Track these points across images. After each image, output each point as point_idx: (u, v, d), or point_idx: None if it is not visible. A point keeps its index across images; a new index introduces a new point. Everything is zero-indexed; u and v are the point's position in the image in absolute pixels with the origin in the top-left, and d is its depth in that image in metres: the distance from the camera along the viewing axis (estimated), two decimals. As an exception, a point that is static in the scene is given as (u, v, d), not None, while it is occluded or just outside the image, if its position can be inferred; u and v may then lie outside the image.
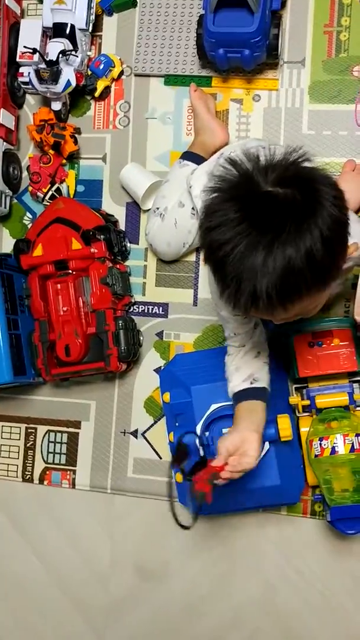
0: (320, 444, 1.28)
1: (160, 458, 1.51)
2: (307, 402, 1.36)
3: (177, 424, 1.36)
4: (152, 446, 1.52)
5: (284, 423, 1.24)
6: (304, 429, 1.36)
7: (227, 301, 0.93)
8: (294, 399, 1.35)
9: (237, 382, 1.19)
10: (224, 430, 1.26)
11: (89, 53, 1.56)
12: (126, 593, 1.54)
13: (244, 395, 1.18)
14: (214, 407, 1.28)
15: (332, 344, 1.34)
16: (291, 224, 0.85)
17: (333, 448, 1.26)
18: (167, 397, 1.37)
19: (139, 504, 1.53)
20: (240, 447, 1.09)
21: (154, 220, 1.46)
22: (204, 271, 1.50)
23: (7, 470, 1.61)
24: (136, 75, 1.56)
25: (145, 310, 1.54)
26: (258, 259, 0.85)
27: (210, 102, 1.50)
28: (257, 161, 0.90)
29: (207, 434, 1.27)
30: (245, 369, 1.20)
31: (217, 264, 0.90)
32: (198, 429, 1.28)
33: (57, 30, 1.51)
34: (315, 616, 1.44)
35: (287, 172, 0.88)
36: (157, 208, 1.45)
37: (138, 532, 1.54)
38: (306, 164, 0.91)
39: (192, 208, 1.39)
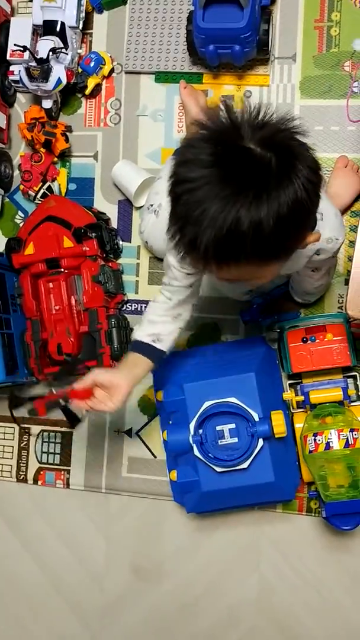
0: (315, 440, 1.27)
1: (155, 457, 1.51)
2: (301, 398, 1.36)
3: (170, 422, 1.35)
4: (146, 445, 1.52)
5: (277, 419, 1.23)
6: (298, 425, 1.36)
7: (170, 237, 0.91)
8: (288, 394, 1.34)
9: (142, 333, 1.19)
10: (218, 428, 1.26)
11: (79, 51, 1.55)
12: (121, 592, 1.53)
13: (141, 348, 1.18)
14: (207, 404, 1.27)
15: (326, 339, 1.33)
16: (254, 187, 0.82)
17: (327, 443, 1.26)
18: (160, 395, 1.36)
19: (134, 503, 1.52)
20: (109, 389, 1.11)
21: (148, 217, 1.45)
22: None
23: (2, 471, 1.61)
24: (127, 72, 1.56)
25: (139, 309, 1.54)
26: (210, 209, 0.83)
27: (201, 98, 1.50)
28: (251, 115, 0.87)
29: (200, 431, 1.27)
30: (157, 326, 1.18)
31: (175, 198, 0.88)
32: (192, 427, 1.27)
33: (48, 28, 1.50)
34: (312, 613, 1.44)
35: (274, 136, 0.86)
36: (151, 205, 1.44)
37: (133, 531, 1.53)
38: (298, 137, 0.89)
39: None
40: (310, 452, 1.28)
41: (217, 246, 0.85)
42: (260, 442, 1.25)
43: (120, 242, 1.54)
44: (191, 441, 1.27)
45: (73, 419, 1.37)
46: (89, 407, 1.12)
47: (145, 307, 1.50)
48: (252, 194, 0.82)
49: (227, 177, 0.83)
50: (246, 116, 0.87)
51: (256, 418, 1.25)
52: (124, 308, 1.54)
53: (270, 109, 0.89)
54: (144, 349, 1.18)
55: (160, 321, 1.18)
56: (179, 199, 0.87)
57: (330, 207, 1.10)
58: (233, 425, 1.26)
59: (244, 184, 0.82)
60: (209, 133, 0.86)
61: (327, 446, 1.26)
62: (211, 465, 1.26)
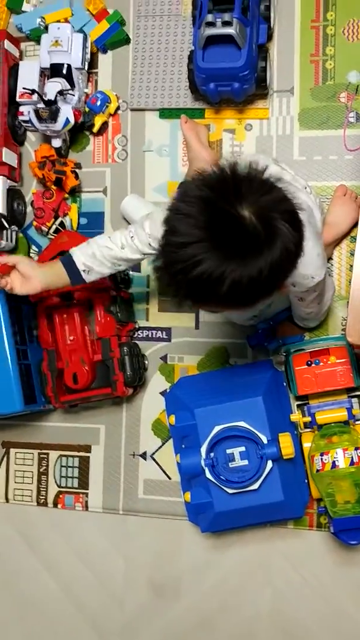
0: (322, 459, 1.32)
1: (170, 479, 1.56)
2: (308, 419, 1.41)
3: (183, 446, 1.41)
4: (161, 467, 1.57)
5: (285, 442, 1.29)
6: (306, 445, 1.41)
7: (155, 261, 0.98)
8: (295, 416, 1.39)
9: (81, 258, 1.27)
10: (228, 451, 1.32)
11: (85, 90, 1.62)
12: (140, 610, 1.58)
13: (71, 269, 1.28)
14: (217, 428, 1.32)
15: (329, 362, 1.39)
16: (241, 255, 0.89)
17: (334, 462, 1.31)
18: (172, 419, 1.41)
19: (150, 523, 1.58)
20: (24, 279, 1.27)
21: None
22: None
23: (22, 495, 1.67)
24: (132, 109, 1.63)
25: (150, 335, 1.60)
26: (199, 266, 0.89)
27: (202, 132, 1.56)
28: (252, 180, 0.92)
29: (212, 454, 1.32)
30: (95, 262, 1.27)
31: (165, 244, 0.94)
32: (203, 451, 1.32)
33: (55, 70, 1.57)
34: (323, 625, 1.48)
35: (268, 210, 0.91)
36: None
37: (150, 550, 1.58)
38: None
39: None
40: (318, 470, 1.33)
41: (193, 295, 0.95)
42: (270, 463, 1.31)
43: (131, 272, 1.60)
44: (203, 464, 1.32)
45: None
46: None
47: (156, 333, 1.59)
48: (237, 260, 0.89)
49: (219, 243, 0.89)
50: (246, 182, 0.92)
51: (265, 440, 1.31)
52: (136, 335, 1.60)
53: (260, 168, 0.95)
54: (73, 271, 1.28)
55: (101, 261, 1.27)
56: (168, 246, 0.93)
57: (315, 246, 1.14)
58: (243, 448, 1.32)
59: (233, 250, 0.89)
60: (207, 194, 0.91)
61: (334, 465, 1.31)
62: (223, 487, 1.32)
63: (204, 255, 0.89)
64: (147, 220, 1.22)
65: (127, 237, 1.24)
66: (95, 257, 1.27)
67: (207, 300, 0.97)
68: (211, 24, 1.39)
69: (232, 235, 0.89)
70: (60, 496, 1.64)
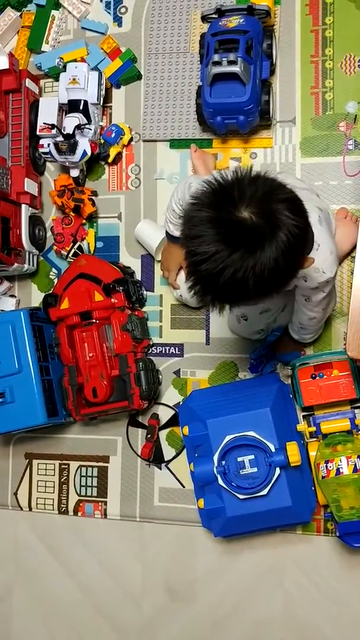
0: (327, 467, 1.40)
1: (184, 487, 1.64)
2: (313, 429, 1.49)
3: (196, 455, 1.49)
4: (175, 476, 1.65)
5: (292, 450, 1.37)
6: (312, 453, 1.48)
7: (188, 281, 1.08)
8: (301, 426, 1.47)
9: (170, 225, 1.46)
10: (239, 459, 1.40)
11: (101, 123, 1.73)
12: (157, 612, 1.65)
13: (171, 238, 1.49)
14: (228, 438, 1.40)
15: (333, 375, 1.47)
16: (252, 250, 0.98)
17: (338, 469, 1.39)
18: (186, 430, 1.49)
19: (166, 530, 1.64)
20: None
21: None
22: (215, 313, 1.64)
23: (45, 504, 1.75)
24: (144, 140, 1.73)
25: (163, 351, 1.69)
26: (223, 272, 1.00)
27: (209, 160, 1.65)
28: (243, 184, 1.02)
29: (223, 462, 1.41)
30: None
31: (191, 263, 1.04)
32: (215, 459, 1.41)
33: (72, 106, 1.68)
34: (333, 626, 1.53)
35: (263, 205, 1.00)
36: None
37: (166, 555, 1.65)
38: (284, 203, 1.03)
39: None
40: (323, 477, 1.40)
41: (230, 298, 1.07)
42: (278, 470, 1.38)
43: (145, 292, 1.69)
44: (215, 472, 1.40)
45: None
46: None
47: (169, 349, 1.67)
48: (252, 257, 0.99)
49: (233, 248, 0.99)
50: (236, 186, 1.02)
51: (273, 449, 1.38)
52: (150, 351, 1.69)
53: (258, 173, 1.04)
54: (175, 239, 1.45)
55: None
56: (192, 266, 1.03)
57: (329, 244, 1.24)
58: (252, 457, 1.40)
59: (245, 250, 0.99)
60: (206, 213, 1.01)
61: (338, 472, 1.38)
62: (234, 493, 1.40)
63: (225, 263, 0.99)
64: (180, 187, 1.37)
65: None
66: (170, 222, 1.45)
67: (242, 299, 1.07)
68: (217, 63, 1.48)
69: (240, 238, 0.99)
70: (81, 504, 1.71)
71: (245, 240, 0.99)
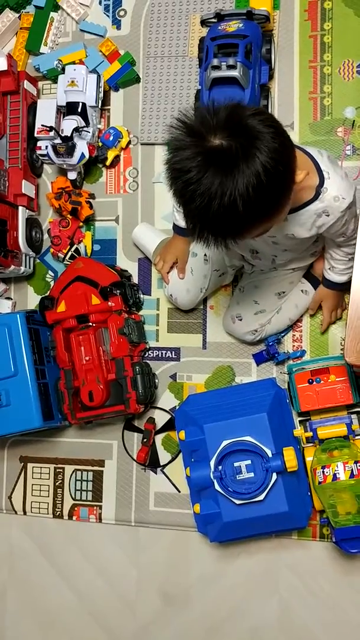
0: (323, 472, 1.40)
1: (179, 492, 1.63)
2: (310, 434, 1.49)
3: (193, 460, 1.48)
4: (171, 481, 1.64)
5: (289, 455, 1.36)
6: (309, 459, 1.48)
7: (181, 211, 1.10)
8: (298, 431, 1.47)
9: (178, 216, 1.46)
10: (235, 464, 1.40)
11: (99, 126, 1.72)
12: (152, 617, 1.64)
13: (179, 230, 1.50)
14: (225, 443, 1.40)
15: (329, 380, 1.47)
16: (231, 170, 1.00)
17: (334, 475, 1.38)
18: (182, 435, 1.49)
19: (161, 534, 1.64)
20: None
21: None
22: (212, 317, 1.65)
23: (39, 508, 1.74)
24: (142, 144, 1.73)
25: (160, 355, 1.68)
26: (208, 193, 1.01)
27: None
28: (211, 116, 1.03)
29: (220, 467, 1.40)
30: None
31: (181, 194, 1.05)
32: (212, 464, 1.40)
33: (70, 108, 1.68)
34: (328, 631, 1.53)
35: (232, 126, 1.02)
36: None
37: (161, 560, 1.65)
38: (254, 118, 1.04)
39: (205, 255, 1.54)
40: (320, 483, 1.40)
41: (225, 229, 1.07)
42: (274, 476, 1.38)
43: (142, 296, 1.69)
44: (212, 477, 1.40)
45: None
46: None
47: (166, 353, 1.67)
48: (233, 177, 1.00)
49: (215, 172, 1.01)
50: (208, 119, 1.03)
51: (270, 454, 1.38)
52: (147, 355, 1.68)
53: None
54: (183, 231, 1.48)
55: None
56: (186, 205, 1.06)
57: (337, 169, 1.24)
58: (249, 462, 1.39)
59: (228, 173, 1.00)
60: (178, 155, 1.03)
61: (335, 477, 1.38)
62: (231, 498, 1.39)
63: (209, 194, 1.01)
64: None
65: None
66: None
67: (240, 227, 1.07)
68: (217, 67, 1.49)
69: (216, 165, 1.01)
70: (76, 509, 1.71)
71: (222, 165, 1.01)
